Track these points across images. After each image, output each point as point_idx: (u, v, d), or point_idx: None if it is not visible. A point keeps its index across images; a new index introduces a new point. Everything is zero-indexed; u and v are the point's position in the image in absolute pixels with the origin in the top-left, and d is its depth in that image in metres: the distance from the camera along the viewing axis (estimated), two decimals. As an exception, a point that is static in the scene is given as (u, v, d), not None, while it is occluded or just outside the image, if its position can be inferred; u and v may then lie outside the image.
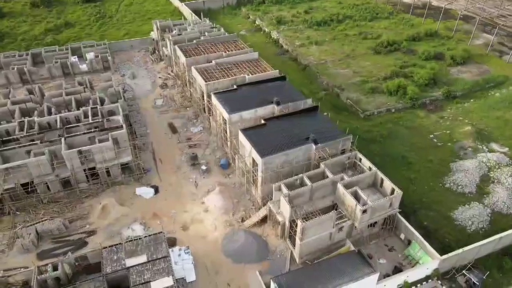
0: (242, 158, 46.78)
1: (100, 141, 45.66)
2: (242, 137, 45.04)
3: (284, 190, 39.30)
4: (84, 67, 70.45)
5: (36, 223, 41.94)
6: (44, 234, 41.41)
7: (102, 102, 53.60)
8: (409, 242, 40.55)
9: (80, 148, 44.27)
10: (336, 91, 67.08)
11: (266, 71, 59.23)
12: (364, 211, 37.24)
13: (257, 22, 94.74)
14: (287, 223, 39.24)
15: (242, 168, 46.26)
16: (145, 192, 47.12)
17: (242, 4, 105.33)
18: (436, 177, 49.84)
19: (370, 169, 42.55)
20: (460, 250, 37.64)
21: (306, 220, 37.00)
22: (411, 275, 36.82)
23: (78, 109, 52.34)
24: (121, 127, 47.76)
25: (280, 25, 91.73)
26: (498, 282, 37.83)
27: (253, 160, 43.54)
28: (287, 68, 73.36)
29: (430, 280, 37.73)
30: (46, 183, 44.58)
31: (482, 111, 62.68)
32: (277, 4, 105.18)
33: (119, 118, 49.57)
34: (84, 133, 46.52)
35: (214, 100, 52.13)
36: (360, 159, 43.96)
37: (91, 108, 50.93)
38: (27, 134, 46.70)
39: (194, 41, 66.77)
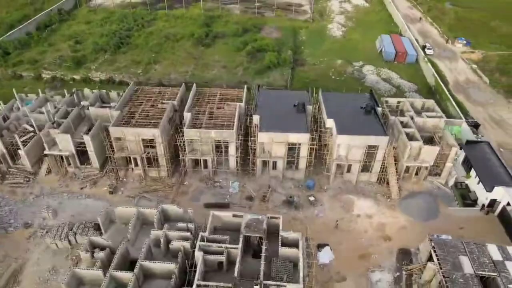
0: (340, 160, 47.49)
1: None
2: (346, 139, 45.74)
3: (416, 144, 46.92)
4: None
5: None
6: None
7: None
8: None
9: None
10: (242, 85, 68.81)
11: (218, 94, 54.38)
12: (443, 121, 51.75)
13: (45, 76, 70.80)
14: (429, 165, 47.85)
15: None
16: (326, 254, 40.02)
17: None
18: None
19: (398, 102, 55.66)
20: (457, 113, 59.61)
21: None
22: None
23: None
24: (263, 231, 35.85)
25: (88, 64, 73.70)
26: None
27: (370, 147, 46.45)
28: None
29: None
30: None
31: (316, 49, 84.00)
32: (26, 49, 79.30)
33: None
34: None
35: (277, 136, 45.97)
36: (387, 101, 55.59)
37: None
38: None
39: (117, 111, 48.30)
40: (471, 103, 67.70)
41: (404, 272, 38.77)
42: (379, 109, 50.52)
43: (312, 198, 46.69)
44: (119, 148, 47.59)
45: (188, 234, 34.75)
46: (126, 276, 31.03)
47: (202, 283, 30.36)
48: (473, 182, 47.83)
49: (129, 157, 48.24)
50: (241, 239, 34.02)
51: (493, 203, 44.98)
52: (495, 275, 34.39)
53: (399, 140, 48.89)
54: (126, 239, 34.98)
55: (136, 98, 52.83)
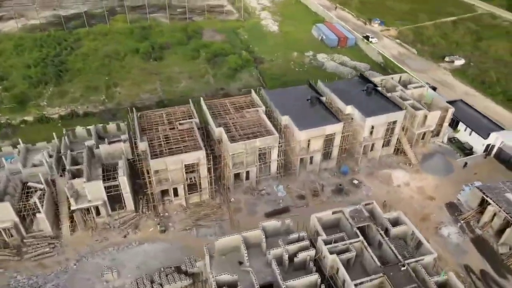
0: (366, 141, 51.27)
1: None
2: (372, 120, 49.52)
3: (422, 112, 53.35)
4: None
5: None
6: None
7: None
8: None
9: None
10: (221, 92, 67.58)
11: (228, 103, 53.25)
12: (424, 89, 59.68)
13: None
14: (433, 129, 54.95)
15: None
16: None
17: None
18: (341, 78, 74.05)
19: (381, 80, 61.80)
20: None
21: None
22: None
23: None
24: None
25: (35, 101, 62.44)
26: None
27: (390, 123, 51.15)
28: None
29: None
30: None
31: (262, 46, 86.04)
32: None
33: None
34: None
35: (315, 131, 47.13)
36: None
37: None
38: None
39: (144, 143, 43.13)
40: (415, 72, 78.57)
41: (462, 221, 44.70)
42: (380, 88, 55.68)
43: (356, 181, 49.57)
44: (157, 181, 42.94)
45: (307, 243, 34.17)
46: (281, 302, 29.45)
47: (357, 281, 30.70)
48: (464, 135, 56.78)
49: (167, 189, 43.97)
50: (357, 232, 35.04)
51: (487, 147, 54.31)
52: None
53: (403, 112, 54.86)
54: (248, 268, 32.70)
55: (146, 125, 47.89)
